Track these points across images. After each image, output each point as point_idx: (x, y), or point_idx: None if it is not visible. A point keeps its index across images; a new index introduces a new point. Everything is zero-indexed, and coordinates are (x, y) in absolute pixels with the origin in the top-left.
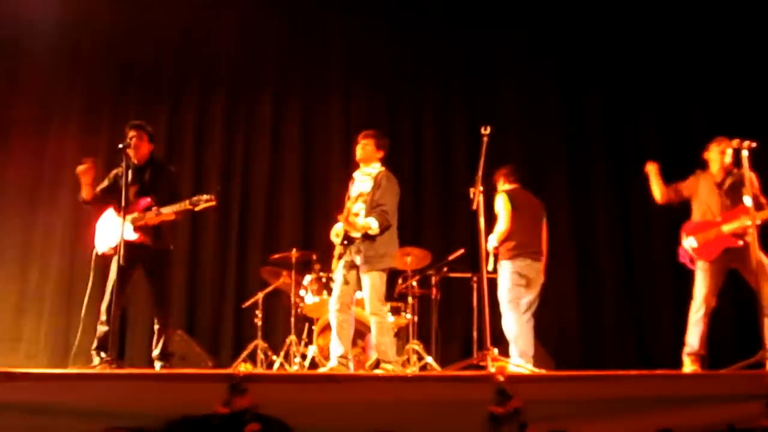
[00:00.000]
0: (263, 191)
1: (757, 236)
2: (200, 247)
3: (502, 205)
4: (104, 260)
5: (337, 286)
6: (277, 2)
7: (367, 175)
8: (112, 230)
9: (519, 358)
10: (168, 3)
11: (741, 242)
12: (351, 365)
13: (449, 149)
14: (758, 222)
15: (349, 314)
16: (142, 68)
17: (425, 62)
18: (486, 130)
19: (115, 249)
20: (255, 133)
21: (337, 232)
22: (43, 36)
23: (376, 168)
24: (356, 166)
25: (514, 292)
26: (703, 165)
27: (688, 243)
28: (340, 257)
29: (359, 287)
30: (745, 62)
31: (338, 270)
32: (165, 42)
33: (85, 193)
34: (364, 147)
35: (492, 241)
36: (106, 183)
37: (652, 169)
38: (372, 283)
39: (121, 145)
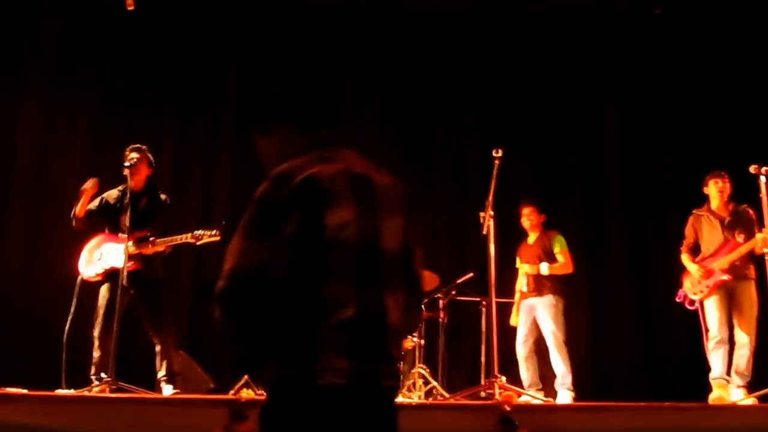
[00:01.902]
0: None
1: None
2: (204, 267)
3: (566, 246)
4: (88, 286)
5: None
6: (287, 23)
7: None
8: (101, 256)
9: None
10: (176, 22)
11: (729, 277)
12: None
13: (463, 171)
14: (744, 252)
15: None
16: (149, 90)
17: (439, 83)
18: (498, 153)
19: (103, 275)
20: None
21: None
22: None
23: None
24: None
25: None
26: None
27: (685, 285)
28: None
29: None
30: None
31: None
32: (173, 63)
33: (80, 210)
34: None
35: (545, 269)
36: (93, 207)
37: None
38: None
39: (126, 164)
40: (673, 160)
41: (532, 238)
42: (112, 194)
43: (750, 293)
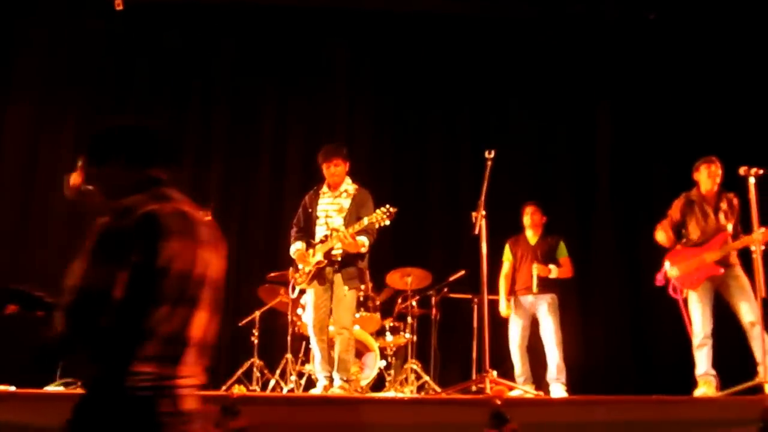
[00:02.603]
0: (262, 210)
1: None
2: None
3: (567, 253)
4: None
5: (313, 311)
6: (281, 23)
7: (342, 192)
8: None
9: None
10: (170, 20)
11: (722, 270)
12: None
13: (456, 171)
14: (738, 247)
15: (327, 338)
16: (143, 83)
17: (433, 85)
18: (490, 154)
19: None
20: (256, 152)
21: (303, 254)
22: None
23: (349, 183)
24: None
25: None
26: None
27: (672, 272)
28: (313, 278)
29: (329, 312)
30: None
31: (312, 295)
32: (167, 58)
33: (75, 179)
34: (337, 168)
35: (554, 273)
36: (87, 188)
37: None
38: (349, 300)
39: None
40: (664, 161)
41: (532, 237)
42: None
43: (740, 275)
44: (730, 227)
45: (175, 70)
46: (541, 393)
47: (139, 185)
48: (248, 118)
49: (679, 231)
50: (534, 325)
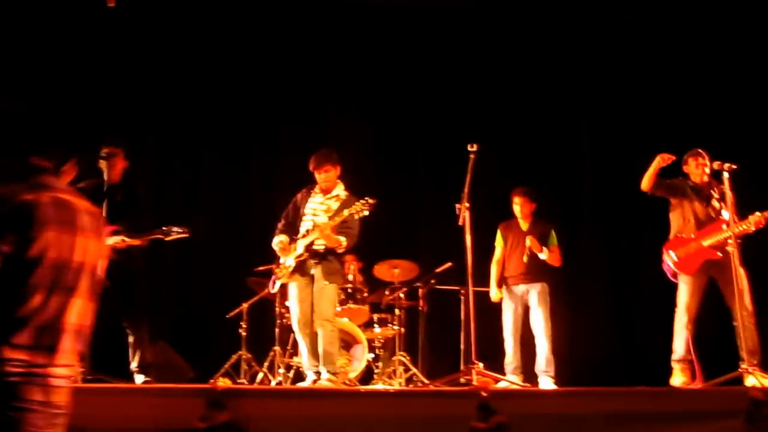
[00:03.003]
0: (252, 201)
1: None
2: (186, 257)
3: (556, 242)
4: None
5: (296, 305)
6: (264, 22)
7: (333, 197)
8: None
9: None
10: (155, 18)
11: (720, 254)
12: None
13: (442, 164)
14: (738, 234)
15: (311, 332)
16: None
17: (419, 75)
18: (473, 147)
19: None
20: (248, 144)
21: (285, 246)
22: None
23: (341, 189)
24: (346, 182)
25: None
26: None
27: (670, 258)
28: (294, 272)
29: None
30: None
31: (294, 289)
32: (153, 58)
33: None
34: (328, 174)
35: (545, 255)
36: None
37: (663, 160)
38: (330, 292)
39: (103, 155)
40: (646, 155)
41: (524, 224)
42: (90, 185)
43: (736, 266)
44: (725, 214)
45: (163, 70)
46: (528, 384)
47: (17, 174)
48: (239, 112)
49: (664, 195)
50: (525, 314)
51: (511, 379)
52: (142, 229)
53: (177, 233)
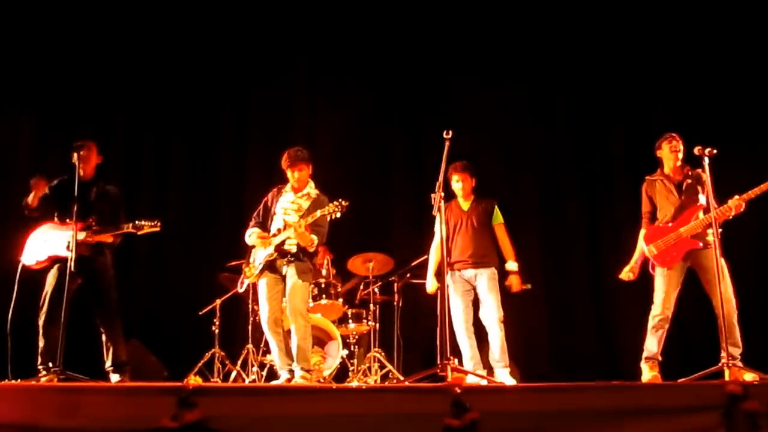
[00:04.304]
0: (225, 197)
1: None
2: (158, 253)
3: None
4: (30, 274)
5: (265, 303)
6: (240, 5)
7: (304, 195)
8: (45, 244)
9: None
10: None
11: (701, 243)
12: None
13: (418, 155)
14: (720, 219)
15: (282, 331)
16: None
17: (397, 66)
18: (448, 135)
19: (48, 261)
20: (219, 139)
21: (262, 235)
22: None
23: (312, 187)
24: (318, 175)
25: None
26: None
27: (649, 251)
28: (263, 271)
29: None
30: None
31: (264, 287)
32: (127, 47)
33: (33, 200)
34: (301, 173)
35: (513, 266)
36: (45, 191)
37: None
38: (302, 288)
39: (74, 154)
40: (625, 138)
41: (464, 203)
42: (63, 181)
43: (717, 257)
44: (702, 199)
45: (137, 60)
46: (512, 380)
47: None
48: (210, 104)
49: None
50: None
51: (482, 374)
52: (113, 224)
53: (149, 227)
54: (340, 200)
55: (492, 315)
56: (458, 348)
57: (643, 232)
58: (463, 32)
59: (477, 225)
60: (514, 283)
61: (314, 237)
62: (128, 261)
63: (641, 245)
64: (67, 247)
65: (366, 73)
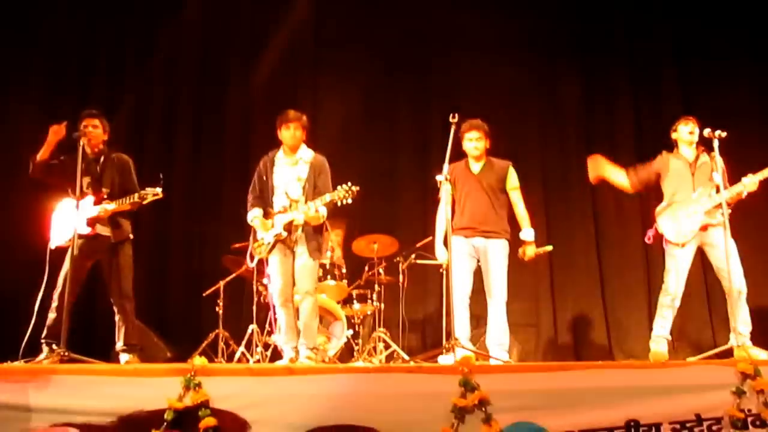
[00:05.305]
0: (229, 178)
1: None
2: (163, 235)
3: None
4: (60, 254)
5: (277, 280)
6: None
7: (299, 160)
8: (68, 222)
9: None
10: None
11: (713, 223)
12: (302, 354)
13: (424, 137)
14: (728, 200)
15: (292, 307)
16: (105, 50)
17: (402, 47)
18: (454, 118)
19: (72, 241)
20: (223, 119)
21: (263, 221)
22: None
23: (305, 150)
24: (323, 154)
25: None
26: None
27: (662, 226)
28: (272, 248)
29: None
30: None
31: (275, 262)
32: (130, 26)
33: (43, 153)
34: (295, 132)
35: (530, 236)
36: (55, 161)
37: (596, 165)
38: (312, 266)
39: (75, 135)
40: (633, 115)
41: (476, 166)
42: (71, 157)
43: (728, 237)
44: (716, 178)
45: (138, 36)
46: (511, 361)
47: None
48: (214, 83)
49: (652, 181)
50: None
51: (493, 355)
52: (127, 193)
53: (152, 195)
54: (350, 185)
55: (500, 291)
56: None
57: (627, 180)
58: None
59: (489, 190)
60: (528, 251)
61: (322, 211)
62: (133, 241)
63: (621, 179)
64: (87, 223)
65: (373, 52)
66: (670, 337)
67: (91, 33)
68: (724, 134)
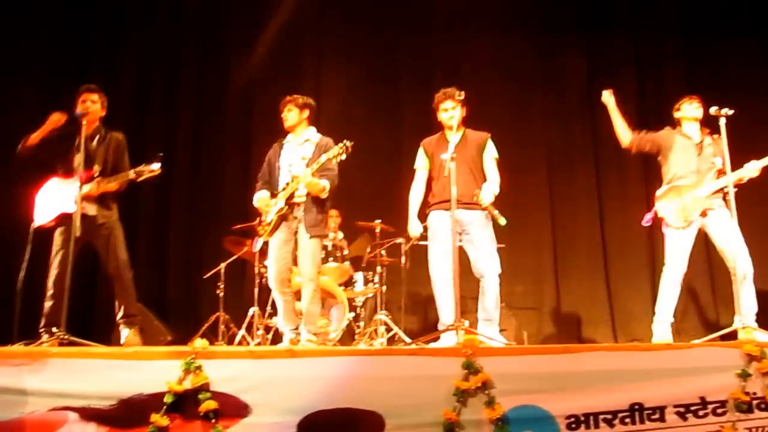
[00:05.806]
0: (230, 159)
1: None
2: (163, 217)
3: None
4: (43, 234)
5: (275, 263)
6: None
7: (306, 141)
8: (54, 201)
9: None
10: None
11: (715, 204)
12: (303, 337)
13: (431, 118)
14: (733, 184)
15: (291, 289)
16: (105, 29)
17: (404, 27)
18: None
19: (56, 220)
20: (225, 100)
21: (266, 201)
22: None
23: (313, 132)
24: (325, 133)
25: None
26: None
27: (663, 209)
28: (275, 228)
29: (294, 262)
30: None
31: (273, 246)
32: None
33: (35, 137)
34: (288, 113)
35: (488, 199)
36: (46, 138)
37: (609, 101)
38: (313, 249)
39: (78, 112)
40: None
41: (453, 137)
42: (65, 133)
43: (731, 219)
44: (718, 161)
45: (141, 17)
46: (513, 343)
47: None
48: (216, 63)
49: (650, 150)
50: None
51: (494, 336)
52: (117, 171)
53: (148, 171)
54: (344, 141)
55: (488, 264)
56: (469, 309)
57: (629, 134)
58: None
59: (467, 161)
60: (485, 199)
61: (325, 182)
62: (133, 224)
63: (622, 129)
64: (75, 202)
65: (376, 30)
66: (672, 320)
67: (92, 11)
68: (731, 112)
